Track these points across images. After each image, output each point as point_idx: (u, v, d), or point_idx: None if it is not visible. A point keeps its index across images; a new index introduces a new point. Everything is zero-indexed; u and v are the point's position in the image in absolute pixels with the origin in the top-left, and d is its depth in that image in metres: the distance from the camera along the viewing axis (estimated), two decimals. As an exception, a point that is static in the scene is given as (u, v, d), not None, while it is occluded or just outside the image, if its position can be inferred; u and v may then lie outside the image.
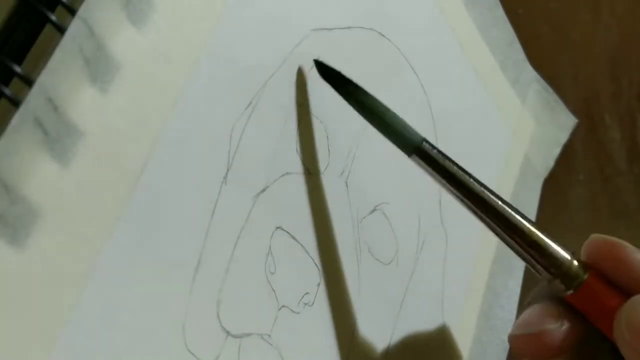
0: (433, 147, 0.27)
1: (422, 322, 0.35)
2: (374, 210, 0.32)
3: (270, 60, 0.26)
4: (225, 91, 0.25)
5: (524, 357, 0.28)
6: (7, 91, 0.18)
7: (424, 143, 0.26)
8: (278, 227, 0.27)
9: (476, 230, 0.40)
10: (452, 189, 0.27)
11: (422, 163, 0.26)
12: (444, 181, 0.27)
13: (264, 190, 0.26)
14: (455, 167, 0.27)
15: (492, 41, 0.40)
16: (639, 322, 0.24)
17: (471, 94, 0.40)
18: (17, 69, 0.19)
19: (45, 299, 0.19)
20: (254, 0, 0.26)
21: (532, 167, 0.46)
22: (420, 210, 0.35)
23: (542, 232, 0.27)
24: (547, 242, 0.26)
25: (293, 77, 0.27)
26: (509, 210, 0.27)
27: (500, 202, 0.27)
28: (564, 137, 0.49)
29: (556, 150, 0.48)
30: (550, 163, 0.48)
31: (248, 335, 0.25)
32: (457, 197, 0.27)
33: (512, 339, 0.28)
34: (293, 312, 0.27)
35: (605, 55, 0.56)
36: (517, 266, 0.43)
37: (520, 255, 0.27)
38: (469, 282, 0.39)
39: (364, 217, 0.31)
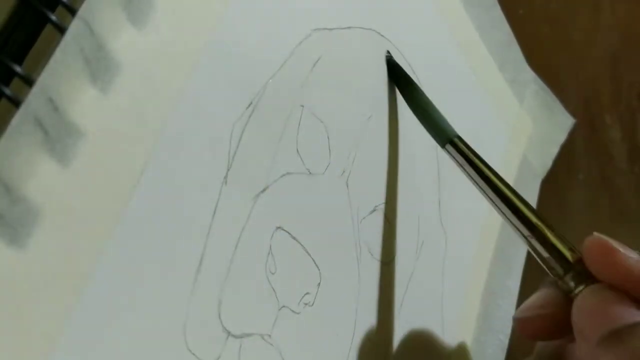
0: (464, 143, 0.30)
1: (422, 322, 0.35)
2: (374, 210, 0.32)
3: (271, 60, 0.26)
4: (226, 91, 0.25)
5: (528, 337, 0.29)
6: (7, 91, 0.18)
7: (456, 138, 0.31)
8: (278, 227, 0.27)
9: (475, 231, 0.40)
10: (476, 181, 0.30)
11: (454, 153, 0.30)
12: (469, 172, 0.30)
13: (264, 190, 0.26)
14: (481, 163, 0.30)
15: (490, 42, 0.41)
16: (581, 304, 0.26)
17: (469, 94, 0.40)
18: (18, 69, 0.19)
19: (45, 299, 0.19)
20: (255, 0, 0.26)
21: (530, 167, 0.46)
22: (420, 211, 0.35)
23: (558, 235, 0.28)
24: (560, 244, 0.28)
25: (294, 77, 0.27)
26: (528, 210, 0.29)
27: (520, 202, 0.29)
28: (562, 137, 0.49)
29: (554, 150, 0.48)
30: (549, 163, 0.48)
31: (249, 335, 0.25)
32: (481, 190, 0.30)
33: (517, 320, 0.29)
34: (293, 312, 0.27)
35: (605, 55, 0.56)
36: (516, 266, 0.43)
37: (534, 251, 0.28)
38: (468, 282, 0.39)
39: (364, 217, 0.31)
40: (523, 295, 0.43)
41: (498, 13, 0.41)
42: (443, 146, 0.31)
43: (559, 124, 0.48)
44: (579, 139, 0.51)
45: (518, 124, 0.44)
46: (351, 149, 0.30)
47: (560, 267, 0.27)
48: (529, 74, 0.45)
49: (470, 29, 0.39)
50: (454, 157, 0.30)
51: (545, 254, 0.28)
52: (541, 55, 0.46)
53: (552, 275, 0.28)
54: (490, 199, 0.29)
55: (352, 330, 0.30)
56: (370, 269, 0.31)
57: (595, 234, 0.27)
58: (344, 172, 0.30)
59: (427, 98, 0.32)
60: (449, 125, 0.31)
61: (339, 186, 0.30)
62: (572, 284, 0.27)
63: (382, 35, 0.32)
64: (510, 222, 0.29)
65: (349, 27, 0.30)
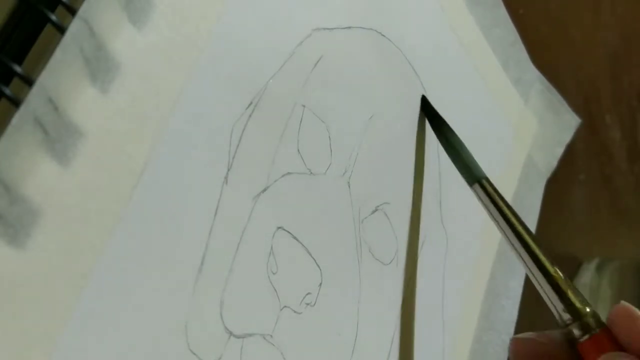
0: (491, 185, 0.32)
1: (423, 322, 0.35)
2: (376, 210, 0.32)
3: (272, 60, 0.26)
4: (226, 91, 0.24)
5: (517, 357, 0.30)
6: (7, 91, 0.18)
7: (484, 180, 0.32)
8: (279, 228, 0.27)
9: (477, 232, 0.40)
10: (498, 222, 0.31)
11: (480, 193, 0.32)
12: (492, 214, 0.31)
13: (265, 190, 0.26)
14: (504, 205, 0.31)
15: (494, 41, 0.40)
16: None
17: (472, 93, 0.40)
18: (18, 68, 0.19)
19: (45, 299, 0.19)
20: (254, 0, 0.26)
21: (534, 167, 0.46)
22: (420, 211, 0.35)
23: (569, 282, 0.29)
24: (569, 291, 0.29)
25: (295, 77, 0.27)
26: (543, 255, 0.30)
27: (537, 246, 0.30)
28: (567, 136, 0.49)
29: (559, 150, 0.48)
30: (553, 163, 0.48)
31: (250, 335, 0.25)
32: (501, 229, 0.31)
33: (514, 339, 0.30)
34: (295, 312, 0.27)
35: (606, 55, 0.56)
36: (519, 267, 0.43)
37: (544, 294, 0.29)
38: (469, 282, 0.39)
39: (366, 218, 0.31)
40: (526, 296, 0.43)
41: (502, 12, 0.40)
42: (471, 185, 0.32)
43: (564, 124, 0.48)
44: (579, 139, 0.51)
45: (523, 123, 0.44)
46: (353, 149, 0.30)
47: (570, 315, 0.28)
48: (533, 73, 0.45)
49: (473, 28, 0.39)
50: (479, 197, 0.32)
51: (556, 301, 0.29)
52: (541, 55, 0.45)
53: (559, 320, 0.29)
54: (510, 241, 0.31)
55: (354, 331, 0.30)
56: (371, 269, 0.31)
57: (622, 302, 0.28)
58: (345, 172, 0.30)
59: (459, 139, 0.34)
60: (478, 167, 0.33)
61: (341, 186, 0.30)
62: (577, 332, 0.28)
63: (382, 35, 0.32)
64: (527, 265, 0.30)
65: (349, 27, 0.30)
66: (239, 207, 0.25)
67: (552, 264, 0.29)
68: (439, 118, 0.34)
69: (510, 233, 0.31)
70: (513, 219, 0.31)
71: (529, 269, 0.30)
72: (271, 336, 0.26)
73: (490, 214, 0.31)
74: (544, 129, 0.46)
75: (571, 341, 0.28)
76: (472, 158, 0.33)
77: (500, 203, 0.31)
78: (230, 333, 0.24)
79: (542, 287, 0.29)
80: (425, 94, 0.35)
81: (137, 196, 0.21)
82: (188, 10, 0.23)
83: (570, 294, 0.29)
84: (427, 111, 0.35)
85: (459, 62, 0.38)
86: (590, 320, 0.28)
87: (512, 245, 0.30)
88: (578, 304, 0.28)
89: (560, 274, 0.29)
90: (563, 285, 0.29)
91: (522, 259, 0.30)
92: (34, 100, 0.19)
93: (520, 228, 0.30)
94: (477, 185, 0.32)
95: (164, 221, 0.22)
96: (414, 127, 0.34)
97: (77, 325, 0.19)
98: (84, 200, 0.20)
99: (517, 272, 0.43)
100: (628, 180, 0.59)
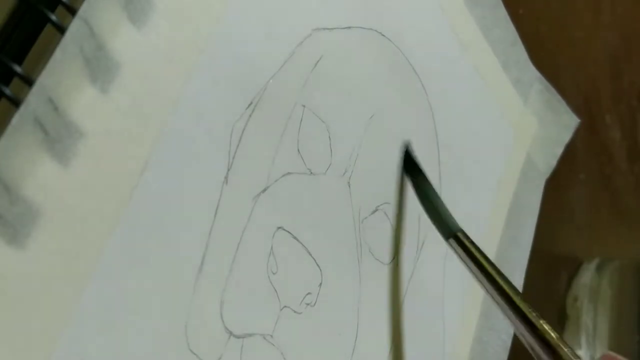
0: (467, 238, 0.31)
1: (423, 322, 0.35)
2: (376, 210, 0.32)
3: (272, 59, 0.26)
4: (226, 91, 0.24)
5: None
6: (7, 91, 0.18)
7: (460, 233, 0.31)
8: (279, 228, 0.27)
9: (476, 232, 0.40)
10: (476, 275, 0.30)
11: (457, 247, 0.31)
12: (470, 267, 0.30)
13: (265, 190, 0.26)
14: (482, 258, 0.30)
15: (494, 41, 0.40)
16: None
17: (472, 93, 0.40)
18: (18, 68, 0.19)
19: (45, 298, 0.19)
20: (255, 0, 0.26)
21: (534, 167, 0.46)
22: (421, 211, 0.35)
23: (555, 334, 0.28)
24: (560, 344, 0.28)
25: (295, 77, 0.27)
26: (527, 308, 0.29)
27: (520, 300, 0.29)
28: (566, 136, 0.49)
29: (559, 150, 0.48)
30: (553, 163, 0.48)
31: (250, 335, 0.25)
32: (480, 282, 0.30)
33: None
34: (295, 312, 0.27)
35: (606, 55, 0.56)
36: (518, 267, 0.43)
37: (529, 347, 0.29)
38: (470, 282, 0.39)
39: (366, 218, 0.31)
40: (525, 295, 0.43)
41: (502, 12, 0.40)
42: (447, 239, 0.31)
43: (564, 124, 0.48)
44: (579, 139, 0.51)
45: (522, 123, 0.44)
46: (353, 149, 0.30)
47: None
48: (533, 73, 0.45)
49: (473, 28, 0.39)
50: (455, 251, 0.31)
51: (542, 353, 0.28)
52: (541, 55, 0.46)
53: None
54: (489, 292, 0.30)
55: (354, 331, 0.30)
56: (371, 269, 0.31)
57: (609, 352, 0.28)
58: (345, 172, 0.30)
59: (435, 192, 0.32)
60: (453, 220, 0.31)
61: (341, 186, 0.30)
62: None
63: (382, 35, 0.32)
64: (508, 317, 0.29)
65: (349, 27, 0.30)
66: (239, 207, 0.25)
67: (538, 317, 0.29)
68: (418, 169, 0.33)
69: (489, 286, 0.30)
70: (492, 271, 0.30)
71: (513, 323, 0.29)
72: (271, 336, 0.26)
73: (468, 267, 0.30)
74: (544, 128, 0.46)
75: None
76: (447, 211, 0.32)
77: (477, 255, 0.30)
78: (230, 333, 0.24)
79: (526, 340, 0.28)
80: (425, 93, 0.35)
81: (137, 196, 0.21)
82: (188, 10, 0.23)
83: (560, 347, 0.28)
84: (406, 159, 0.33)
85: (459, 62, 0.38)
86: None
87: (493, 298, 0.30)
88: (566, 356, 0.27)
89: (545, 326, 0.28)
90: (548, 336, 0.28)
91: (503, 309, 0.29)
92: (34, 100, 0.19)
93: (500, 280, 0.29)
94: (452, 240, 0.31)
95: (164, 221, 0.22)
96: (413, 127, 0.34)
97: (77, 325, 0.19)
98: (84, 200, 0.20)
99: (516, 272, 0.43)
100: (628, 180, 0.59)
